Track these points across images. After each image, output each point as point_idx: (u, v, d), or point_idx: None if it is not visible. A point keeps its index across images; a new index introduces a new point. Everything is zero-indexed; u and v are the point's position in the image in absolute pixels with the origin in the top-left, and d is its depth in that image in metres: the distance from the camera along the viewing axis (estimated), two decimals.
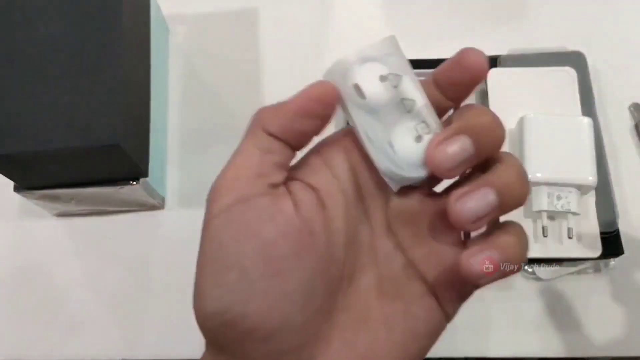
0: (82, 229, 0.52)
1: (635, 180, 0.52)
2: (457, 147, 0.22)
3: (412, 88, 0.24)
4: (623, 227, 0.49)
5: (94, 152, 0.41)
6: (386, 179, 0.24)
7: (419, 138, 0.24)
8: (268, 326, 0.21)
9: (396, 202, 0.25)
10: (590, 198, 0.48)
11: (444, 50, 0.54)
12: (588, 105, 0.51)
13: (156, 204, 0.52)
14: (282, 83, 0.57)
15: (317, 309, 0.23)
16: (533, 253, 0.47)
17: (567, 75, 0.51)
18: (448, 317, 0.24)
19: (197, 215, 0.58)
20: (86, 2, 0.44)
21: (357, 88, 0.24)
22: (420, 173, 0.24)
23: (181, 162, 0.55)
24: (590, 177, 0.45)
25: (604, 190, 0.49)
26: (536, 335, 0.48)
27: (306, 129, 0.24)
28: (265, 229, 0.22)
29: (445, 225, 0.24)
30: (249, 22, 0.60)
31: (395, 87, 0.24)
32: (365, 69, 0.24)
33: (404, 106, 0.24)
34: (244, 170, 0.23)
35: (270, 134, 0.24)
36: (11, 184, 0.46)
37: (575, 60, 0.53)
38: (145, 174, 0.47)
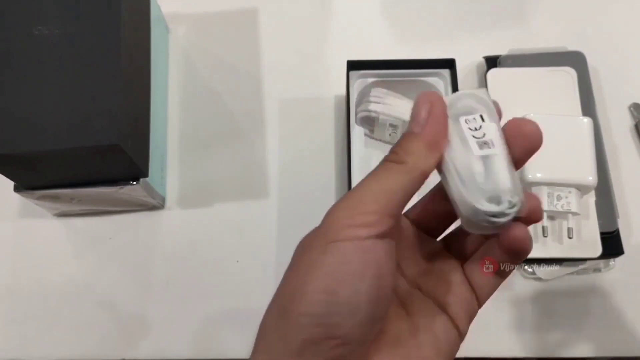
0: (82, 229, 0.52)
1: (635, 180, 0.52)
2: None
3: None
4: (623, 227, 0.49)
5: (94, 152, 0.41)
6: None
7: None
8: (350, 339, 0.24)
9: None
10: (590, 198, 0.48)
11: (444, 50, 0.54)
12: (588, 105, 0.51)
13: (156, 204, 0.52)
14: (282, 83, 0.57)
15: (376, 332, 0.25)
16: (533, 253, 0.47)
17: (567, 75, 0.51)
18: (461, 335, 0.28)
19: (197, 215, 0.58)
20: (86, 2, 0.44)
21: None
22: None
23: (181, 162, 0.55)
24: (590, 177, 0.45)
25: (604, 190, 0.49)
26: (536, 335, 0.48)
27: None
28: (388, 264, 0.25)
29: (446, 258, 0.29)
30: (249, 22, 0.60)
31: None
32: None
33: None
34: (385, 207, 0.24)
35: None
36: (11, 184, 0.46)
37: (575, 60, 0.53)
38: (145, 174, 0.47)
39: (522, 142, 0.25)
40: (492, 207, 0.24)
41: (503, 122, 0.26)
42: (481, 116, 0.26)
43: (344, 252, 0.23)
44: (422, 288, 0.29)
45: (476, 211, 0.24)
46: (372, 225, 0.24)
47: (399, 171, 0.25)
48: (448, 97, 0.26)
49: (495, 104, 0.26)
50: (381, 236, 0.24)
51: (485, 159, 0.25)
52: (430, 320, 0.27)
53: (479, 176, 0.25)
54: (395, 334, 0.27)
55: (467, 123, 0.26)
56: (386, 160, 0.26)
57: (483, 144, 0.25)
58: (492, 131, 0.25)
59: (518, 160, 0.26)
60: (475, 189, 0.25)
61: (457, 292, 0.28)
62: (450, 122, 0.26)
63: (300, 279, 0.24)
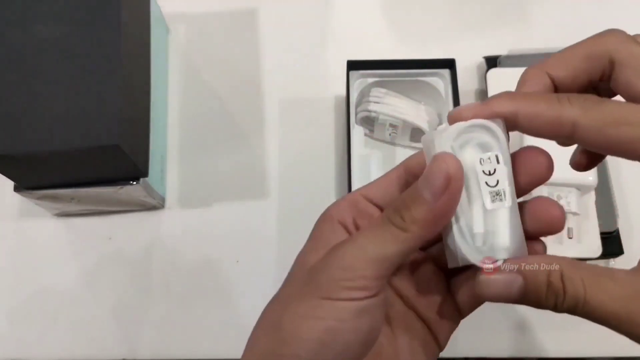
0: (82, 229, 0.52)
1: (635, 180, 0.52)
2: None
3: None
4: (623, 227, 0.49)
5: (93, 152, 0.41)
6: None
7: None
8: None
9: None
10: (590, 198, 0.48)
11: (444, 50, 0.54)
12: None
13: (156, 204, 0.52)
14: (282, 83, 0.57)
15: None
16: None
17: None
18: (441, 349, 0.28)
19: (197, 215, 0.58)
20: (86, 2, 0.44)
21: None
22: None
23: (181, 162, 0.55)
24: (590, 177, 0.45)
25: (604, 190, 0.49)
26: (536, 335, 0.48)
27: None
28: (380, 316, 0.25)
29: (433, 272, 0.28)
30: (249, 22, 0.60)
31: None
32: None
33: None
34: (382, 273, 0.24)
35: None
36: (11, 184, 0.46)
37: None
38: (145, 174, 0.47)
39: (530, 179, 0.25)
40: (485, 265, 0.24)
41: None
42: (496, 157, 0.24)
43: (339, 310, 0.23)
44: (408, 303, 0.28)
45: (468, 263, 0.24)
46: (368, 289, 0.24)
47: (399, 239, 0.24)
48: (457, 125, 0.24)
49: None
50: (375, 295, 0.24)
51: (491, 212, 0.24)
52: (412, 337, 0.27)
53: (478, 238, 0.24)
54: (377, 351, 0.26)
55: (482, 164, 0.24)
56: (389, 219, 0.24)
57: (495, 195, 0.24)
58: (504, 177, 0.24)
59: (522, 190, 0.25)
60: (473, 249, 0.24)
61: (442, 310, 0.28)
62: (456, 149, 0.24)
63: (291, 327, 0.24)
